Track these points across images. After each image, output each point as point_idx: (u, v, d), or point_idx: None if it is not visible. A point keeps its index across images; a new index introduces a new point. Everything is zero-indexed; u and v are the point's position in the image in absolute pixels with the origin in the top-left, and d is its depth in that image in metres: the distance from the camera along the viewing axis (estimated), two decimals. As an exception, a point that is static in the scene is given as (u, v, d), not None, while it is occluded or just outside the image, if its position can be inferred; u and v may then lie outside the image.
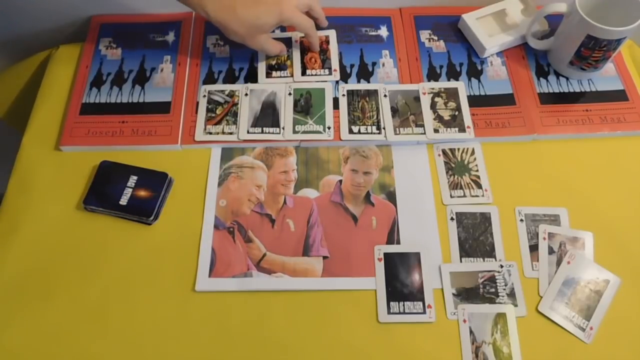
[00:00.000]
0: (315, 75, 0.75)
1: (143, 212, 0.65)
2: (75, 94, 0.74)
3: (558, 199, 0.67)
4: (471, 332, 0.59)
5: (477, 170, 0.69)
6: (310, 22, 0.71)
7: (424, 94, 0.74)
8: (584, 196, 0.67)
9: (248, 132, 0.70)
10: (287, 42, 0.77)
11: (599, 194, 0.68)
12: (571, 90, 0.75)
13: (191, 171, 0.69)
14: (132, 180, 0.67)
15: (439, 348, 0.59)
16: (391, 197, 0.68)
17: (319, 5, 0.74)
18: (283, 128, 0.71)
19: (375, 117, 0.72)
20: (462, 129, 0.71)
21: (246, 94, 0.73)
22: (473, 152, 0.70)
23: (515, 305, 0.60)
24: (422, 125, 0.71)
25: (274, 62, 0.76)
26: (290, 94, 0.74)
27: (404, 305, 0.61)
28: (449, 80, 0.75)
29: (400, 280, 0.62)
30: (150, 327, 0.60)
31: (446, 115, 0.72)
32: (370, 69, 0.76)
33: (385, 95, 0.74)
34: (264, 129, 0.71)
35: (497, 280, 0.62)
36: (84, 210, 0.66)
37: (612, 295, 0.61)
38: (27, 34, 0.81)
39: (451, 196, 0.67)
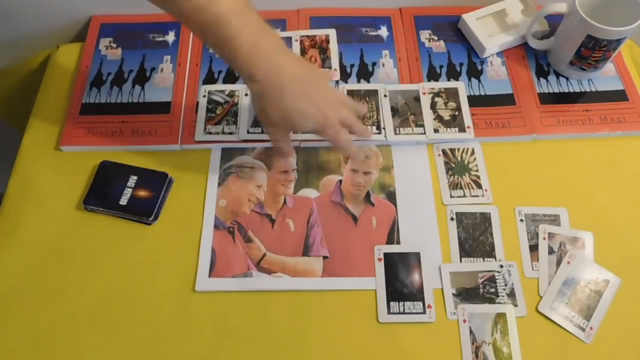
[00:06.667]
0: (315, 75, 0.75)
1: (143, 212, 0.65)
2: (75, 94, 0.74)
3: (558, 199, 0.67)
4: (471, 332, 0.59)
5: (477, 170, 0.69)
6: (350, 140, 0.61)
7: (424, 94, 0.74)
8: (584, 196, 0.67)
9: (248, 132, 0.70)
10: (287, 42, 0.77)
11: (599, 194, 0.68)
12: (571, 90, 0.75)
13: (191, 171, 0.69)
14: (132, 180, 0.67)
15: (439, 348, 0.59)
16: (391, 197, 0.67)
17: (359, 124, 0.62)
18: (283, 128, 0.71)
19: (375, 117, 0.72)
20: (462, 129, 0.71)
21: (246, 94, 0.73)
22: (473, 152, 0.70)
23: (515, 305, 0.60)
24: (422, 125, 0.71)
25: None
26: (290, 94, 0.73)
27: (404, 305, 0.60)
28: (449, 80, 0.75)
29: (400, 280, 0.62)
30: (151, 327, 0.60)
31: (446, 115, 0.72)
32: (370, 69, 0.76)
33: (385, 95, 0.74)
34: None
35: (497, 280, 0.62)
36: (84, 210, 0.66)
37: (612, 295, 0.61)
38: (27, 34, 0.81)
39: (451, 196, 0.67)
